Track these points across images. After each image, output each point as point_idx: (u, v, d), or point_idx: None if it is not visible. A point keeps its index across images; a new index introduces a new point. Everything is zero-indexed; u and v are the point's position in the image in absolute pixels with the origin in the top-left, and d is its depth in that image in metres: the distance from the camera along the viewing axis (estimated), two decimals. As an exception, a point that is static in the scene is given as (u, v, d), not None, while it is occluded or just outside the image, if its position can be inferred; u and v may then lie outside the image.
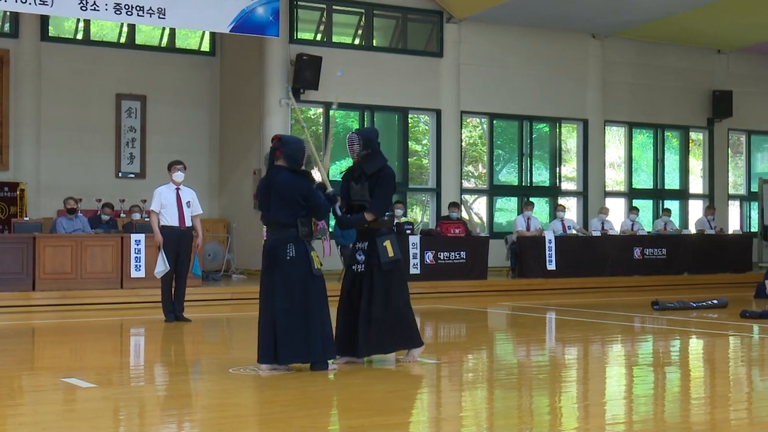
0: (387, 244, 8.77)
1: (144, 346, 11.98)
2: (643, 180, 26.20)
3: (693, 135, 26.60)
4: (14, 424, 6.78)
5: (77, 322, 13.83)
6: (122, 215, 19.18)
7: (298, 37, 21.20)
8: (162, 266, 12.65)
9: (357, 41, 22.25)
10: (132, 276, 16.33)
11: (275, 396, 7.73)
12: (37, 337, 12.56)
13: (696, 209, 26.06)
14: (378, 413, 7.07)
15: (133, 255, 16.35)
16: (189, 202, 13.04)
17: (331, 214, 8.97)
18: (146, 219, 17.64)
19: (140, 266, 16.37)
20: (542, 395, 8.01)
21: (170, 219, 12.85)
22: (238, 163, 21.54)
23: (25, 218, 18.08)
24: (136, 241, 16.41)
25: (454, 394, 8.15)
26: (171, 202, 12.88)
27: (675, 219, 24.57)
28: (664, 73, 25.43)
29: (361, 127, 21.89)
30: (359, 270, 8.92)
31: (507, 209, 24.44)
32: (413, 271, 17.83)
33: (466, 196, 23.41)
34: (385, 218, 9.01)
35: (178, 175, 12.96)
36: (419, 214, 23.07)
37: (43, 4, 16.34)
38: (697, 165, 26.88)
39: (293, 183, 8.60)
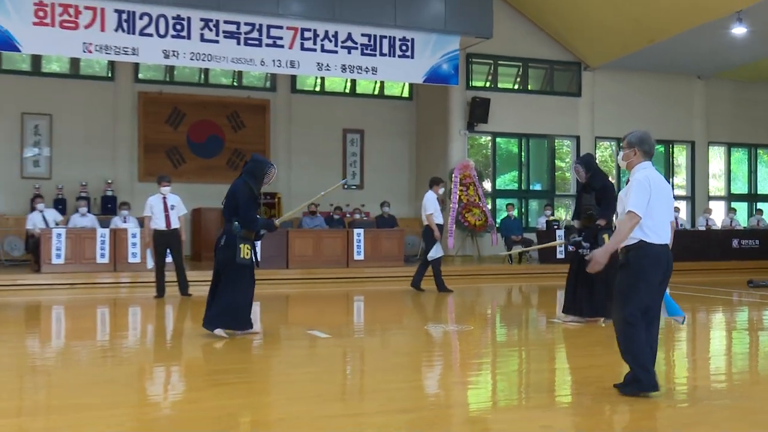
0: (605, 236, 8.63)
1: (363, 310, 11.99)
2: (740, 187, 24.99)
3: (781, 152, 25.29)
4: (276, 363, 7.03)
5: (315, 291, 13.98)
6: (347, 215, 19.54)
7: (473, 84, 21.19)
8: (150, 261, 12.01)
9: (516, 86, 22.05)
10: (355, 258, 16.51)
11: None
12: (290, 301, 12.81)
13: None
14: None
15: (355, 244, 16.48)
16: (173, 206, 11.83)
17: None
18: (359, 217, 17.76)
19: (360, 250, 16.59)
20: (660, 351, 7.76)
21: (158, 223, 11.75)
22: (429, 178, 21.69)
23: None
24: (357, 233, 16.64)
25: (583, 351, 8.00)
26: (159, 210, 11.75)
27: (766, 217, 23.37)
28: (757, 105, 24.28)
29: (519, 150, 21.77)
30: (585, 253, 8.85)
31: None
32: (559, 256, 17.53)
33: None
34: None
35: (165, 189, 11.76)
36: (564, 214, 22.64)
37: (292, 67, 16.90)
38: (785, 176, 25.63)
39: (238, 190, 7.95)
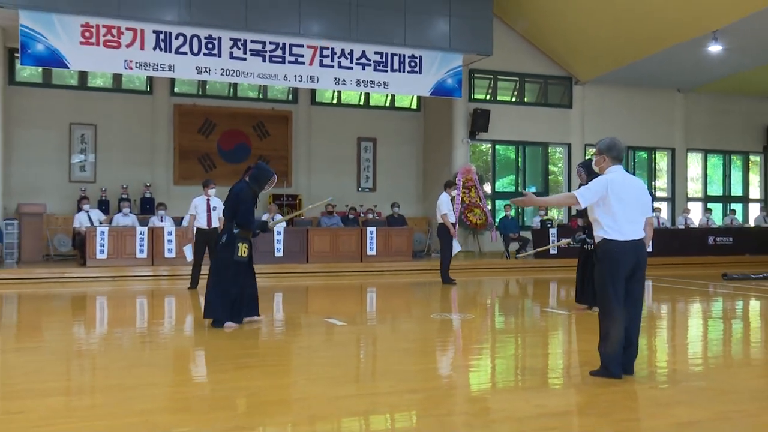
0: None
1: (376, 300, 11.99)
2: (715, 189, 24.81)
3: (752, 158, 25.04)
4: (296, 347, 7.06)
5: (332, 283, 13.89)
6: (361, 215, 19.60)
7: (474, 97, 21.11)
8: (190, 255, 12.05)
9: (514, 99, 21.98)
10: (368, 254, 16.61)
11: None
12: (309, 292, 12.78)
13: (754, 209, 24.58)
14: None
15: (368, 241, 16.58)
16: (215, 207, 11.75)
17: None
18: (372, 217, 17.80)
19: (373, 246, 16.60)
20: (642, 338, 7.71)
21: (201, 222, 11.77)
22: (435, 182, 21.60)
23: (302, 217, 18.65)
24: (370, 231, 16.67)
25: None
26: (202, 209, 11.74)
27: (739, 216, 23.32)
28: (731, 115, 24.10)
29: (516, 156, 21.69)
30: (589, 248, 8.97)
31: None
32: (552, 251, 17.46)
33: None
34: None
35: (211, 191, 11.74)
36: (557, 214, 22.56)
37: (311, 81, 16.92)
38: (755, 178, 25.35)
39: (239, 192, 7.79)
